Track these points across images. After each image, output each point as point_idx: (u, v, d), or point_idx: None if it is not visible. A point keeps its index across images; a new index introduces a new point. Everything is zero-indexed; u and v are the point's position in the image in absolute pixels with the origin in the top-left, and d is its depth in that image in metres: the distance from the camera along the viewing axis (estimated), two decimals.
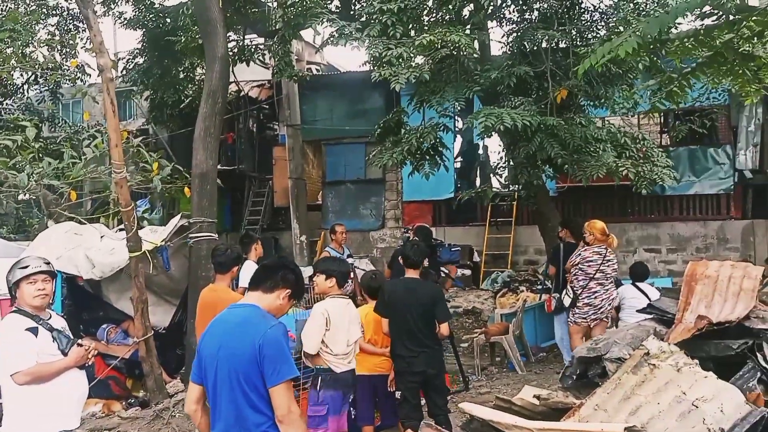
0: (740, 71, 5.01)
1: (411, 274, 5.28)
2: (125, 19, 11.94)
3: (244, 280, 6.02)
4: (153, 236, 7.09)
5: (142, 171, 8.50)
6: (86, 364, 3.85)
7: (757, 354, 4.38)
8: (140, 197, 12.98)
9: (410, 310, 5.05)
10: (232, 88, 13.37)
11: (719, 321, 4.50)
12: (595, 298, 6.73)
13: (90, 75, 13.40)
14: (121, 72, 12.23)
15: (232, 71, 10.97)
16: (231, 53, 10.69)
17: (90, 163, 8.68)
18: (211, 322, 3.05)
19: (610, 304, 6.74)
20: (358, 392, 5.33)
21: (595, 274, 6.72)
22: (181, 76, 12.47)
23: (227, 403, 2.80)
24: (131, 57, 12.16)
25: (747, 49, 5.01)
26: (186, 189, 7.93)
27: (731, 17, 4.68)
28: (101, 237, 7.47)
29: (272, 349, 2.76)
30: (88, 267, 7.03)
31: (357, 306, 5.79)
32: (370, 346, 5.33)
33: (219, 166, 9.75)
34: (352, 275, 8.17)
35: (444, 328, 5.17)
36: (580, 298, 6.82)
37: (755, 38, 4.74)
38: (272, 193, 14.85)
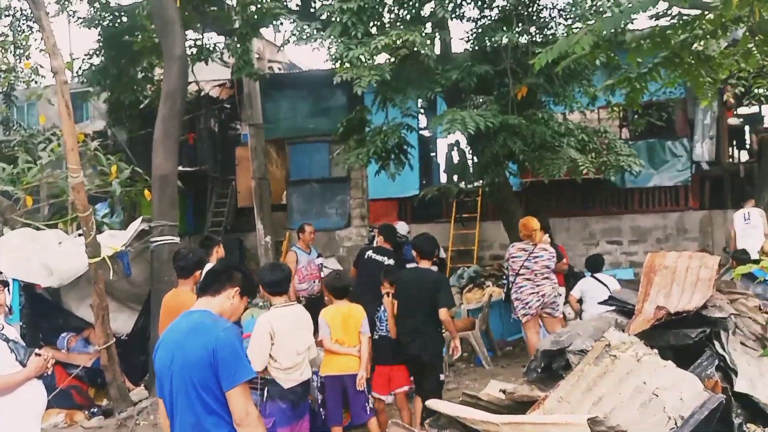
0: (696, 72, 5.14)
1: (424, 264, 5.64)
2: (80, 18, 11.64)
3: None
4: (113, 241, 6.95)
5: (100, 174, 8.32)
6: (45, 374, 3.77)
7: (715, 342, 4.50)
8: (99, 201, 12.68)
9: (415, 296, 5.41)
10: (192, 87, 13.17)
11: (677, 311, 4.61)
12: (521, 292, 6.83)
13: (45, 76, 13.07)
14: (77, 72, 11.91)
15: (192, 70, 10.80)
16: (190, 52, 10.51)
17: (46, 167, 8.47)
18: (163, 334, 3.02)
19: (539, 300, 6.76)
20: (327, 393, 5.33)
21: (519, 269, 6.85)
22: (140, 76, 12.19)
23: (185, 412, 2.77)
24: (87, 57, 11.86)
25: (701, 47, 5.14)
26: (146, 192, 7.79)
27: (683, 17, 4.79)
28: (59, 243, 7.30)
29: (226, 352, 2.74)
30: (46, 274, 6.86)
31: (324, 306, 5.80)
32: (337, 346, 5.31)
33: (180, 168, 9.62)
34: (321, 275, 8.15)
35: (442, 313, 5.37)
36: (511, 293, 6.98)
37: (708, 37, 4.85)
38: (235, 194, 14.68)
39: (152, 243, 7.24)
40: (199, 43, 11.43)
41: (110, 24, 11.37)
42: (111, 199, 12.10)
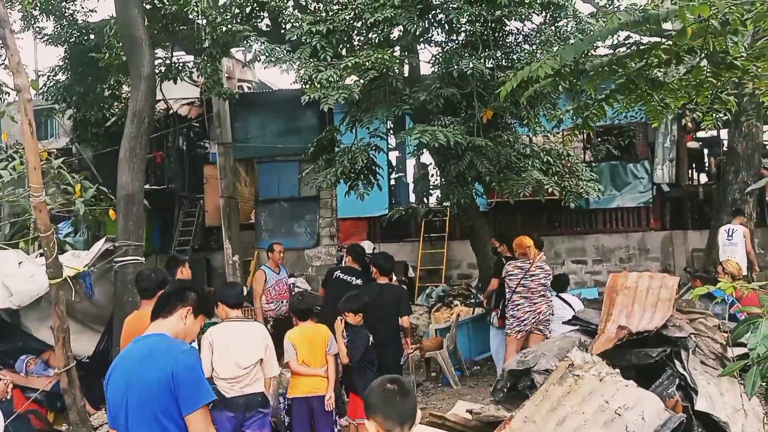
0: (649, 97, 5.33)
1: (382, 280, 6.30)
2: (46, 35, 11.50)
3: None
4: (75, 261, 6.81)
5: (63, 193, 8.17)
6: (3, 399, 3.67)
7: (675, 361, 4.61)
8: (62, 220, 12.44)
9: (379, 309, 5.86)
10: (161, 106, 13.08)
11: (639, 330, 4.71)
12: (518, 310, 6.91)
13: (8, 93, 12.82)
14: (41, 90, 11.73)
15: (161, 89, 10.73)
16: (159, 71, 10.45)
17: (8, 185, 8.29)
18: (114, 361, 2.95)
19: (535, 318, 6.87)
20: (294, 415, 5.29)
21: (516, 287, 6.94)
22: (106, 93, 12.06)
23: None
24: (53, 74, 11.70)
25: (657, 75, 5.33)
26: (111, 211, 7.67)
27: (641, 46, 4.97)
28: (20, 263, 7.12)
29: (186, 375, 2.70)
30: (5, 295, 6.67)
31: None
32: (303, 368, 5.29)
33: (148, 186, 9.51)
34: (289, 295, 8.11)
35: (405, 321, 6.13)
36: (507, 310, 7.04)
37: (662, 66, 5.04)
38: (203, 213, 14.55)
39: (116, 263, 7.12)
40: (167, 61, 11.38)
41: (77, 41, 11.26)
42: (74, 217, 11.89)
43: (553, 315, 7.08)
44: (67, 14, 11.16)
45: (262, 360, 4.82)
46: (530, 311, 6.88)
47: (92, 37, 11.18)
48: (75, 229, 13.73)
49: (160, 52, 11.08)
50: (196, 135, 15.68)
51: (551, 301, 7.11)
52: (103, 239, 7.42)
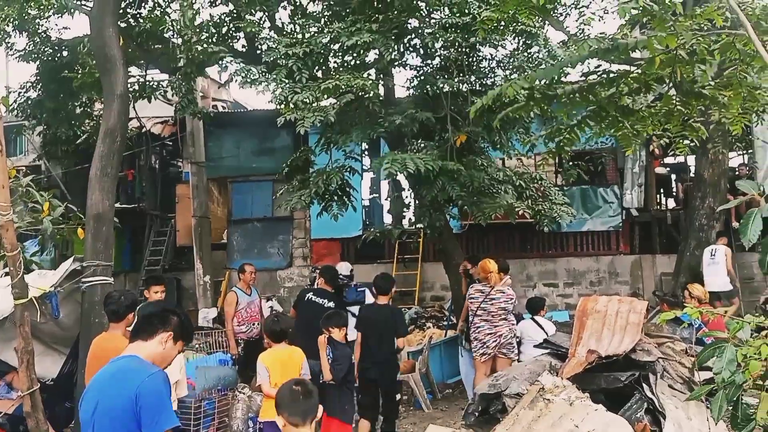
0: (620, 124, 5.47)
1: (381, 300, 6.53)
2: (18, 51, 11.36)
3: None
4: (41, 281, 6.66)
5: (31, 211, 8.01)
6: None
7: (644, 385, 4.67)
8: (29, 238, 12.18)
9: (374, 329, 6.26)
10: (134, 124, 12.95)
11: (608, 354, 4.77)
12: (479, 332, 7.00)
13: None
14: (11, 106, 11.56)
15: (134, 107, 10.64)
16: (132, 89, 10.38)
17: None
18: (89, 382, 2.92)
19: (496, 341, 6.91)
20: None
21: (477, 310, 7.02)
22: (78, 110, 11.93)
23: None
24: (24, 90, 11.54)
25: (628, 102, 5.47)
26: (80, 230, 7.53)
27: (611, 74, 5.10)
28: None
29: (149, 398, 2.65)
30: None
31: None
32: (275, 391, 5.22)
33: (118, 205, 9.36)
34: (260, 318, 8.02)
35: (400, 342, 6.51)
36: (470, 333, 7.13)
37: (632, 94, 5.18)
38: (175, 232, 14.37)
39: (84, 284, 6.98)
40: (141, 80, 11.31)
41: (49, 58, 11.14)
42: (41, 236, 11.65)
43: (517, 338, 7.15)
44: (40, 31, 11.05)
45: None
46: (490, 334, 6.94)
47: (65, 54, 11.07)
48: (42, 248, 13.43)
49: (134, 70, 11.01)
50: (168, 154, 15.55)
51: (513, 325, 7.17)
52: (71, 259, 7.27)
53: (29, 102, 11.60)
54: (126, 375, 2.73)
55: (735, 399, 2.88)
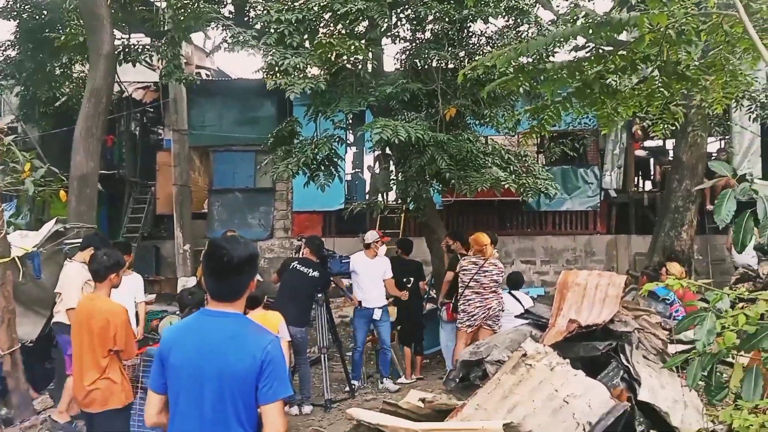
0: (602, 104, 5.53)
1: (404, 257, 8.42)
2: None
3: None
4: (24, 241, 6.62)
5: (12, 171, 7.89)
6: None
7: (620, 354, 4.82)
8: (8, 200, 11.99)
9: (414, 276, 8.38)
10: (115, 89, 12.74)
11: (587, 324, 4.90)
12: (469, 305, 7.08)
13: None
14: None
15: (116, 72, 10.46)
16: (116, 52, 10.19)
17: None
18: (176, 331, 2.81)
19: (485, 313, 7.04)
20: None
21: (469, 282, 7.10)
22: (58, 72, 11.69)
23: (213, 422, 2.58)
24: (2, 48, 11.27)
25: (614, 81, 5.52)
26: (62, 192, 7.46)
27: (599, 50, 5.16)
28: None
29: (274, 365, 2.59)
30: None
31: None
32: None
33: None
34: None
35: (422, 285, 8.60)
36: (458, 304, 7.18)
37: (618, 73, 5.24)
38: (154, 200, 14.24)
39: (66, 245, 6.95)
40: (125, 43, 11.11)
41: (29, 16, 10.87)
42: (19, 198, 11.48)
43: (503, 311, 7.28)
44: None
45: None
46: (480, 306, 7.05)
47: (46, 13, 10.82)
48: (18, 211, 13.24)
49: (118, 33, 10.80)
50: (150, 120, 15.34)
51: (502, 297, 7.30)
52: (53, 220, 7.23)
53: (8, 61, 11.34)
54: (245, 338, 2.64)
55: (710, 367, 2.98)
